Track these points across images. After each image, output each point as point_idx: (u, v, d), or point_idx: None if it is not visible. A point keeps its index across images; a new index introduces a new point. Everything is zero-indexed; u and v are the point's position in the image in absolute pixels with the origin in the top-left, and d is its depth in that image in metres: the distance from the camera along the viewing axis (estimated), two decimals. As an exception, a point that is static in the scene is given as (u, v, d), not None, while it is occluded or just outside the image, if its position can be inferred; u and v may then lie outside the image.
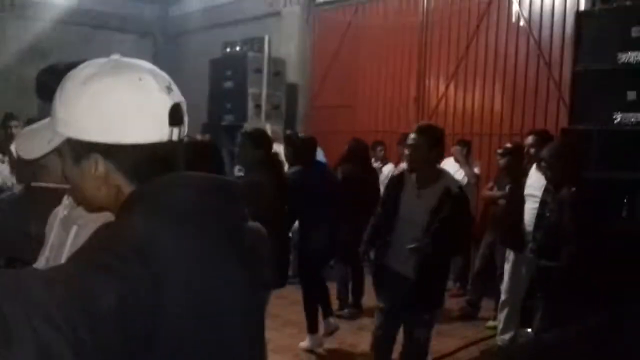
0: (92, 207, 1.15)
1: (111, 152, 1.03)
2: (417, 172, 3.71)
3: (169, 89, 1.08)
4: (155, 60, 10.60)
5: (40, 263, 1.60)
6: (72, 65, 1.26)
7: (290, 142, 5.84)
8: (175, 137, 1.07)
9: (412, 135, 3.70)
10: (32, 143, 1.18)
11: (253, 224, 1.23)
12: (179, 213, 1.01)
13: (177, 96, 1.10)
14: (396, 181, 3.89)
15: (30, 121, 6.86)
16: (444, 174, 3.78)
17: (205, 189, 1.09)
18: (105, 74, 1.04)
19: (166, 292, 0.93)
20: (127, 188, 1.06)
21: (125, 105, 1.02)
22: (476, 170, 6.71)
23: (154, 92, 1.05)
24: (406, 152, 3.78)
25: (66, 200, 1.63)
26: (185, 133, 1.12)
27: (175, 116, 1.07)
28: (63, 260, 1.41)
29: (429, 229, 3.54)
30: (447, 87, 7.95)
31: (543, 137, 5.05)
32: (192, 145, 3.34)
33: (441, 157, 3.83)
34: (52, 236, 1.62)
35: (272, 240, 3.91)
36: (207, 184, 1.11)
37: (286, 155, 5.85)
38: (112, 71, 1.05)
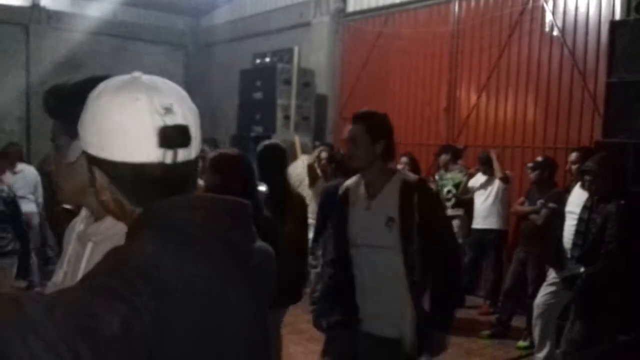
0: (101, 214, 1.27)
1: (104, 166, 1.08)
2: (363, 176, 2.93)
3: (167, 110, 1.08)
4: (186, 71, 10.88)
5: (59, 277, 1.59)
6: (80, 85, 1.36)
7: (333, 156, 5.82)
8: (169, 160, 1.07)
9: (349, 127, 2.97)
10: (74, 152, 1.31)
11: (261, 243, 1.23)
12: (185, 236, 1.03)
13: (179, 118, 1.09)
14: (340, 200, 3.04)
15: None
16: (399, 173, 3.03)
17: (212, 211, 1.10)
18: (110, 91, 1.09)
19: (170, 317, 0.94)
20: (128, 205, 1.11)
21: (114, 124, 1.06)
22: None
23: (144, 114, 1.06)
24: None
25: (83, 213, 1.62)
26: (193, 155, 1.13)
27: (168, 138, 1.07)
28: (79, 276, 1.40)
29: (408, 254, 2.73)
30: (478, 98, 7.82)
31: (587, 154, 4.90)
32: (221, 158, 3.33)
33: (392, 155, 2.96)
34: (69, 250, 1.61)
35: (288, 255, 3.84)
36: (215, 205, 1.12)
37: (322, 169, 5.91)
38: (116, 89, 1.09)
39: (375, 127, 2.87)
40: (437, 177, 7.11)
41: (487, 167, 6.55)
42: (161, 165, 1.07)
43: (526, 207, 5.76)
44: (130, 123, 1.06)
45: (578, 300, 3.99)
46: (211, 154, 3.46)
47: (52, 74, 10.10)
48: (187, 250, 1.01)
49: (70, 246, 1.60)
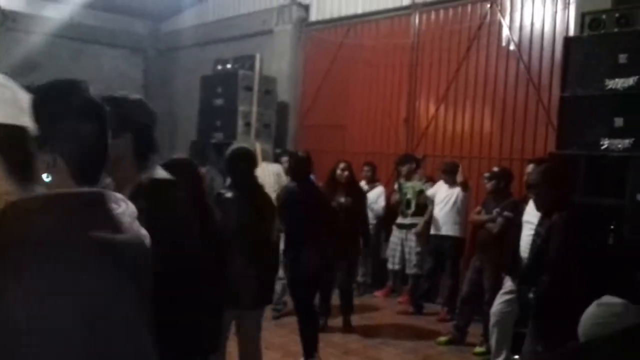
0: None
1: None
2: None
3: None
4: (145, 75, 10.72)
5: None
6: (42, 90, 1.40)
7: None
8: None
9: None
10: None
11: (130, 234, 1.26)
12: (37, 244, 1.06)
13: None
14: None
15: None
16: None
17: (71, 208, 1.15)
18: None
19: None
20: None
21: None
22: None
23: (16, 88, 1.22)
24: None
25: None
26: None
27: None
28: None
29: None
30: (437, 109, 7.98)
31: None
32: (175, 164, 3.32)
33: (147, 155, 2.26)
34: None
35: (253, 259, 3.83)
36: (73, 202, 1.17)
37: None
38: None
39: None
40: (396, 186, 7.21)
41: (450, 176, 6.68)
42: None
43: (482, 216, 5.89)
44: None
45: (533, 324, 4.02)
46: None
47: (8, 76, 9.85)
48: (42, 255, 1.05)
49: None
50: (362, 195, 6.85)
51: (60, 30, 10.65)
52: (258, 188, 4.29)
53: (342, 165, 6.46)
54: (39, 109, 1.37)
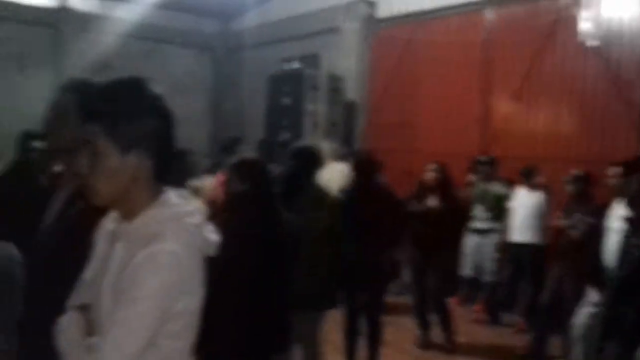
0: (131, 213, 1.50)
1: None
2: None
3: None
4: (214, 75, 10.86)
5: (88, 275, 1.60)
6: (113, 86, 1.50)
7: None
8: None
9: None
10: None
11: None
12: None
13: None
14: None
15: None
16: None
17: None
18: None
19: None
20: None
21: None
22: None
23: None
24: None
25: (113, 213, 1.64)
26: None
27: None
28: (109, 276, 1.47)
29: None
30: (511, 108, 7.70)
31: (627, 169, 4.75)
32: (243, 164, 3.29)
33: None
34: (98, 249, 1.61)
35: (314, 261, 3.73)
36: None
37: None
38: None
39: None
40: (473, 188, 6.98)
41: (530, 179, 6.45)
42: None
43: (563, 221, 5.64)
44: None
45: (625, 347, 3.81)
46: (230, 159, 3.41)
47: (81, 76, 10.13)
48: None
49: (100, 245, 1.60)
50: (456, 199, 6.31)
51: (131, 31, 10.88)
52: (320, 188, 4.20)
53: (430, 166, 6.19)
54: (113, 109, 1.44)
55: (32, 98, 10.05)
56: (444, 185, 5.97)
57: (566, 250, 5.49)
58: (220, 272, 1.78)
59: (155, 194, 1.51)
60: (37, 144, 4.39)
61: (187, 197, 1.59)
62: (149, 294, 1.38)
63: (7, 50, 9.88)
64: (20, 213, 2.70)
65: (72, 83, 2.05)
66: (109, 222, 1.60)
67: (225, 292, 2.55)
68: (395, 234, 5.10)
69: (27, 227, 2.17)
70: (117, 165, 1.44)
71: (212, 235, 1.58)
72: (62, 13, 10.63)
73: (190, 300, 1.48)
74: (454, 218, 6.13)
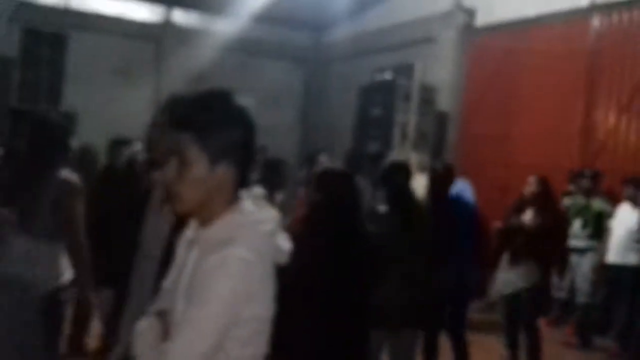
0: (208, 220, 1.51)
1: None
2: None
3: None
4: (306, 87, 10.94)
5: (168, 282, 1.65)
6: (205, 96, 1.53)
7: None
8: None
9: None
10: None
11: None
12: None
13: None
14: None
15: None
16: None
17: None
18: None
19: None
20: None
21: None
22: None
23: None
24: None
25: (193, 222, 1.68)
26: None
27: None
28: (185, 281, 1.50)
29: None
30: (618, 119, 7.14)
31: None
32: (327, 175, 3.18)
33: None
34: (177, 257, 1.66)
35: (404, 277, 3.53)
36: None
37: None
38: None
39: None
40: (567, 198, 6.53)
41: (636, 196, 5.94)
42: None
43: None
44: None
45: None
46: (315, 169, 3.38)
47: (178, 88, 10.48)
48: None
49: (179, 253, 1.66)
50: (555, 216, 5.76)
51: (227, 44, 11.12)
52: (412, 203, 4.04)
53: (530, 179, 5.80)
54: (205, 115, 1.47)
55: (133, 110, 10.52)
56: (543, 200, 5.51)
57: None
58: (290, 281, 1.82)
59: (233, 202, 1.52)
60: (126, 151, 4.56)
61: (263, 205, 1.60)
62: (219, 297, 1.41)
63: (111, 63, 10.40)
64: (116, 218, 2.88)
65: (173, 97, 2.14)
66: (189, 231, 1.63)
67: (296, 302, 2.46)
68: (479, 250, 4.87)
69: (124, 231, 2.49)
70: (205, 174, 1.47)
71: (285, 243, 1.62)
72: (165, 28, 11.08)
73: (259, 307, 1.48)
74: (552, 235, 5.66)
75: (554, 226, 5.36)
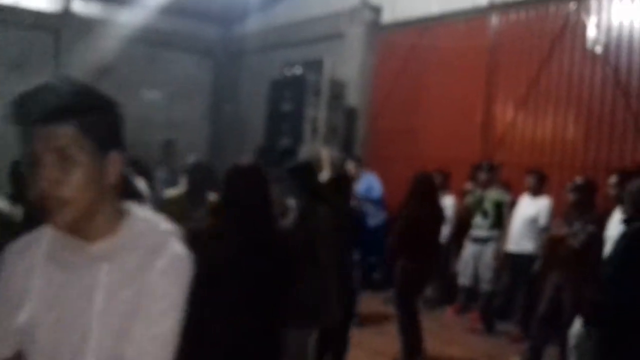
0: (96, 230, 1.32)
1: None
2: None
3: None
4: (215, 80, 10.79)
5: (24, 319, 1.32)
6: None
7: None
8: None
9: None
10: None
11: None
12: None
13: None
14: None
15: None
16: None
17: None
18: None
19: None
20: None
21: None
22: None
23: None
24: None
25: (48, 233, 1.36)
26: None
27: None
28: (93, 308, 1.27)
29: None
30: (516, 114, 7.51)
31: (627, 177, 4.56)
32: (235, 170, 3.11)
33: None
34: (41, 283, 1.33)
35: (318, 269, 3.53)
36: None
37: None
38: None
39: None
40: (469, 195, 6.82)
41: (537, 186, 6.26)
42: None
43: (563, 230, 5.42)
44: None
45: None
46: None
47: (82, 79, 10.07)
48: None
49: (38, 278, 1.33)
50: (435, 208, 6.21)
51: (133, 35, 10.77)
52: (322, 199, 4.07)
53: (417, 175, 5.97)
54: (88, 102, 1.28)
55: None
56: (425, 195, 5.64)
57: (566, 260, 5.27)
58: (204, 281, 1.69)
59: (119, 207, 1.36)
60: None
61: (150, 209, 1.48)
62: (175, 303, 1.31)
63: (7, 55, 9.81)
64: None
65: (24, 92, 1.90)
66: (44, 245, 1.35)
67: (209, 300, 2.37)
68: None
69: None
70: (93, 170, 1.25)
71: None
72: (64, 18, 10.57)
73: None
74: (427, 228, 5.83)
75: (428, 219, 5.52)
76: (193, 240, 1.49)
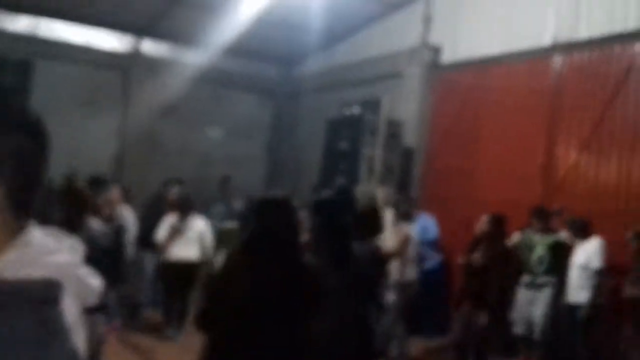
0: None
1: None
2: None
3: None
4: (275, 119, 10.95)
5: None
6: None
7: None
8: None
9: None
10: None
11: None
12: None
13: None
14: None
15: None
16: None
17: None
18: None
19: None
20: None
21: None
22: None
23: None
24: None
25: None
26: None
27: None
28: None
29: None
30: (578, 157, 7.24)
31: None
32: (264, 202, 3.09)
33: None
34: None
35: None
36: None
37: None
38: None
39: None
40: (520, 238, 6.54)
41: (579, 232, 6.00)
42: None
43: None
44: None
45: None
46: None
47: (148, 117, 10.46)
48: None
49: None
50: (503, 253, 5.98)
51: (198, 75, 11.10)
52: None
53: (482, 217, 5.80)
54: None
55: (99, 140, 10.40)
56: (493, 238, 5.51)
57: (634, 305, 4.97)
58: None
59: (13, 233, 1.11)
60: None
61: (60, 235, 1.22)
62: None
63: (77, 93, 10.27)
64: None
65: None
66: None
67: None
68: None
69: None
70: None
71: (94, 280, 1.33)
72: (133, 57, 11.02)
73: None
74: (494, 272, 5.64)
75: (496, 264, 5.34)
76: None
